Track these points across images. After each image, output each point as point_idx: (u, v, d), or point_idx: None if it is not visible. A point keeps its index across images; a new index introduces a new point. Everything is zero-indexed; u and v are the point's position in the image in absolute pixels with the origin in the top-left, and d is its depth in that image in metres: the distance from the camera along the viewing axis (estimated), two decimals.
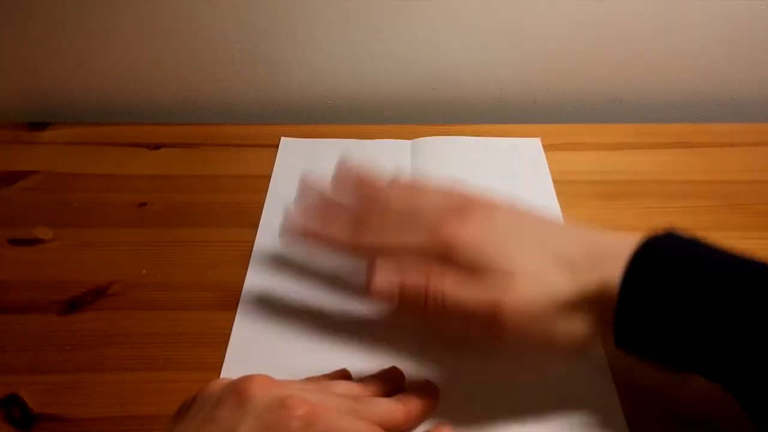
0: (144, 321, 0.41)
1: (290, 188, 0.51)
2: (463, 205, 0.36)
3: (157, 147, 0.56)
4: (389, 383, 0.36)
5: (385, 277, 0.34)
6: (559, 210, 0.49)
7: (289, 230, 0.38)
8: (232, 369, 0.38)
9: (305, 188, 0.40)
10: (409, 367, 0.38)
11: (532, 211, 0.37)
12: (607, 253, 0.33)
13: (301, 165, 0.54)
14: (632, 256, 0.32)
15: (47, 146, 0.57)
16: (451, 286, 0.33)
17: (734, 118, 0.64)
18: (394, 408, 0.34)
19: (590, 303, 0.33)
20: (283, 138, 0.57)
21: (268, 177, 0.53)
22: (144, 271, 0.45)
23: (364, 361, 0.38)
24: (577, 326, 0.33)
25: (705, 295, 0.30)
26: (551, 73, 0.62)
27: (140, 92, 0.62)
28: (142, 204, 0.50)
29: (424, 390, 0.36)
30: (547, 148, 0.56)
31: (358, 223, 0.37)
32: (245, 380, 0.30)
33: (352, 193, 0.40)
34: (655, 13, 0.58)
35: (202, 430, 0.29)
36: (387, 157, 0.54)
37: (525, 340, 0.33)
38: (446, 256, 0.33)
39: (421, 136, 0.57)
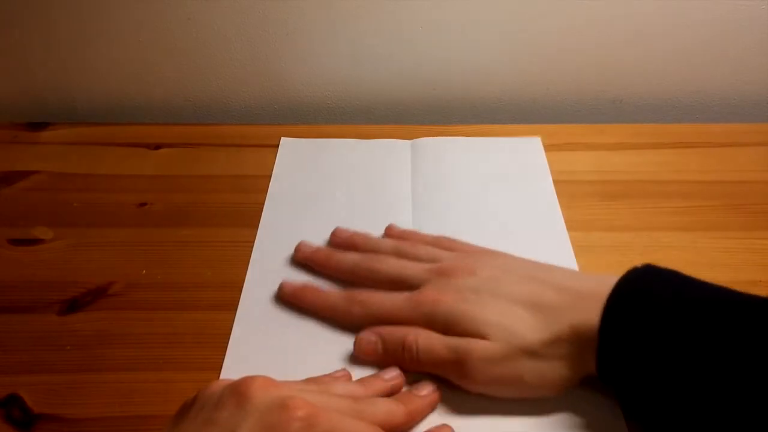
0: (144, 321, 0.41)
1: (290, 188, 0.52)
2: (446, 268, 0.40)
3: (157, 147, 0.56)
4: (389, 383, 0.36)
5: (370, 336, 0.38)
6: (559, 210, 0.49)
7: (285, 293, 0.42)
8: (232, 369, 0.38)
9: (302, 250, 0.45)
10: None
11: (516, 259, 0.41)
12: (585, 294, 0.35)
13: (301, 165, 0.54)
14: (611, 294, 0.34)
15: (47, 146, 0.57)
16: (424, 340, 0.37)
17: (734, 118, 0.64)
18: (394, 408, 0.34)
19: (566, 344, 0.34)
20: (283, 138, 0.57)
21: (268, 177, 0.53)
22: (144, 271, 0.45)
23: (364, 361, 0.38)
24: (549, 368, 0.35)
25: (682, 329, 0.31)
26: (551, 73, 0.62)
27: (140, 92, 0.62)
28: (142, 204, 0.50)
29: (425, 390, 0.36)
30: (547, 148, 0.56)
31: (348, 292, 0.41)
32: (246, 381, 0.30)
33: (347, 245, 0.45)
34: (655, 13, 0.58)
35: None
36: (387, 157, 0.54)
37: (496, 384, 0.36)
38: (426, 320, 0.37)
39: (421, 136, 0.57)
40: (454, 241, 0.44)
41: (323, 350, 0.39)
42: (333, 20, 0.58)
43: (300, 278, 0.44)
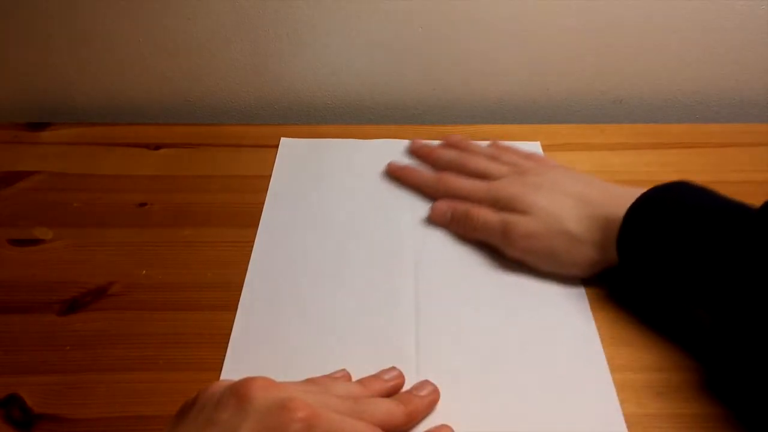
0: (144, 321, 0.41)
1: (290, 188, 0.52)
2: (522, 169, 0.48)
3: (158, 147, 0.56)
4: (389, 384, 0.36)
5: (443, 205, 0.48)
6: None
7: (390, 170, 0.53)
8: (232, 369, 0.38)
9: (414, 143, 0.55)
10: (409, 367, 0.38)
11: (575, 172, 0.48)
12: (623, 194, 0.41)
13: (301, 165, 0.54)
14: (641, 195, 0.40)
15: (47, 146, 0.56)
16: (484, 213, 0.46)
17: (734, 118, 0.64)
18: (394, 409, 0.34)
19: (598, 231, 0.42)
20: (283, 138, 0.57)
21: (268, 177, 0.53)
22: (144, 272, 0.45)
23: (364, 361, 0.38)
24: (581, 249, 0.42)
25: (695, 230, 0.37)
26: (551, 73, 0.62)
27: (140, 92, 0.62)
28: (142, 204, 0.50)
29: (424, 390, 0.36)
30: (547, 148, 0.56)
31: (438, 173, 0.51)
32: (246, 382, 0.30)
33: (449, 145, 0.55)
34: (656, 13, 0.58)
35: None
36: (387, 157, 0.54)
37: (532, 254, 0.44)
38: (492, 201, 0.46)
39: (421, 137, 0.57)
40: (536, 155, 0.52)
41: (323, 350, 0.39)
42: (333, 20, 0.58)
43: (300, 277, 0.44)
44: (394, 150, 0.55)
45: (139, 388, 0.37)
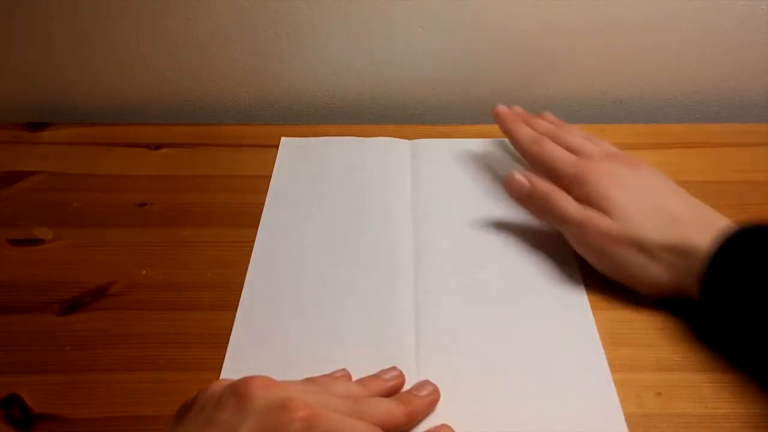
0: (144, 321, 0.41)
1: (290, 188, 0.52)
2: (615, 154, 0.47)
3: (158, 147, 0.56)
4: (389, 383, 0.36)
5: (522, 178, 0.46)
6: None
7: (496, 112, 0.52)
8: (232, 369, 0.38)
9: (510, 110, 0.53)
10: (409, 367, 0.38)
11: (668, 179, 0.45)
12: (712, 221, 0.39)
13: (301, 165, 0.54)
14: (734, 231, 0.38)
15: (47, 146, 0.56)
16: (564, 198, 0.43)
17: (734, 118, 0.64)
18: (394, 408, 0.34)
19: (676, 254, 0.39)
20: (283, 138, 0.57)
21: (268, 177, 0.53)
22: (144, 272, 0.45)
23: (364, 361, 0.38)
24: (653, 267, 0.40)
25: None
26: (551, 73, 0.62)
27: (140, 92, 0.62)
28: (142, 204, 0.50)
29: (424, 390, 0.36)
30: None
31: (539, 135, 0.49)
32: (246, 382, 0.30)
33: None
34: (656, 13, 0.58)
35: None
36: (387, 157, 0.54)
37: (602, 257, 0.42)
38: (574, 179, 0.44)
39: (421, 136, 0.57)
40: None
41: (323, 350, 0.39)
42: (333, 20, 0.58)
43: (300, 277, 0.44)
44: (394, 150, 0.55)
45: (139, 388, 0.37)
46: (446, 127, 0.59)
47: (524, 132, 0.49)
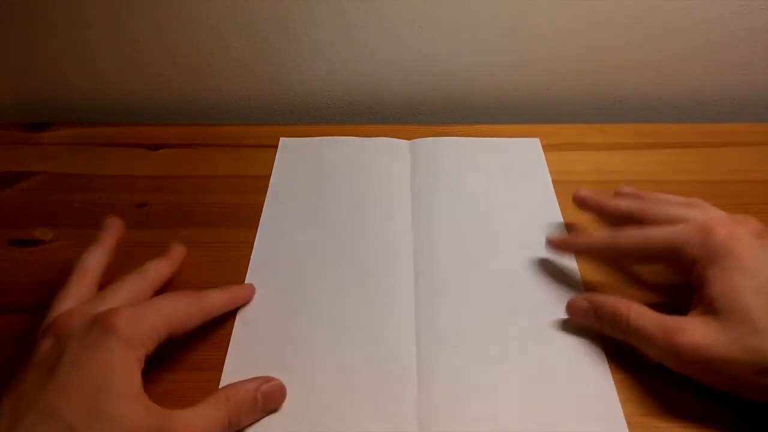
0: None
1: (289, 188, 0.52)
2: (735, 216, 0.38)
3: (157, 147, 0.56)
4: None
5: (582, 302, 0.39)
6: (559, 211, 0.49)
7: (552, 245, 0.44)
8: (233, 369, 0.38)
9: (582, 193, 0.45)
10: (409, 367, 0.38)
11: None
12: None
13: (301, 165, 0.54)
14: None
15: (47, 147, 0.57)
16: (637, 311, 0.36)
17: (734, 118, 0.64)
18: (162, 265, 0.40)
19: None
20: (282, 138, 0.57)
21: (268, 177, 0.53)
22: None
23: (364, 361, 0.38)
24: None
25: None
26: (551, 73, 0.62)
27: (140, 92, 0.62)
28: (142, 204, 0.50)
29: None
30: (547, 148, 0.56)
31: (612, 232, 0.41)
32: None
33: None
34: (656, 13, 0.58)
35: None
36: (387, 156, 0.54)
37: (704, 373, 0.34)
38: (695, 245, 0.36)
39: (421, 136, 0.57)
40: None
41: (323, 350, 0.39)
42: (333, 20, 0.58)
43: (300, 277, 0.44)
44: (393, 150, 0.55)
45: None
46: (446, 127, 0.58)
47: (593, 241, 0.41)
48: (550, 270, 0.44)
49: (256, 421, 0.35)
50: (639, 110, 0.64)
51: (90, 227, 0.48)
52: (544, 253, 0.45)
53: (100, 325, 0.32)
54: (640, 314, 0.36)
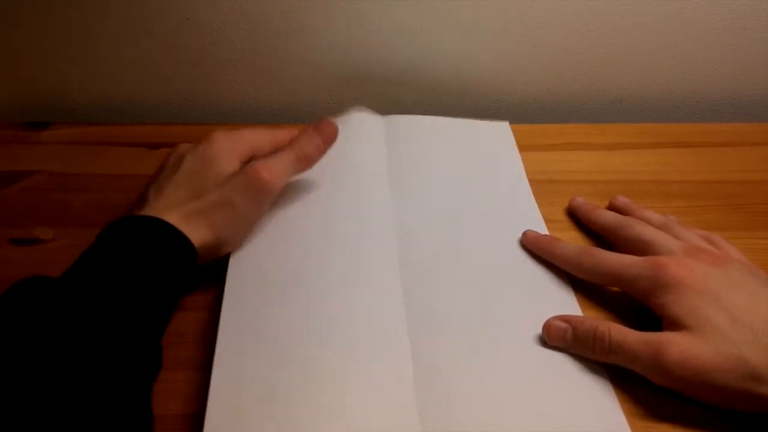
0: None
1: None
2: (697, 247, 0.39)
3: (157, 147, 0.56)
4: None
5: (560, 323, 0.38)
6: (530, 191, 0.50)
7: (527, 239, 0.45)
8: (222, 369, 0.37)
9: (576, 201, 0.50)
10: (405, 366, 0.38)
11: (756, 273, 0.38)
12: None
13: None
14: None
15: (47, 146, 0.56)
16: (618, 329, 0.36)
17: (734, 118, 0.64)
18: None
19: None
20: None
21: None
22: None
23: (359, 360, 0.38)
24: (764, 391, 0.33)
25: None
26: (551, 73, 0.62)
27: (140, 92, 0.62)
28: None
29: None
30: (547, 148, 0.56)
31: (582, 246, 0.44)
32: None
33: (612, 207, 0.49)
34: (655, 12, 0.58)
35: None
36: (361, 134, 0.54)
37: (693, 387, 0.34)
38: (649, 284, 0.38)
39: None
40: (711, 234, 0.43)
41: (319, 348, 0.39)
42: (333, 20, 0.58)
43: (290, 274, 0.43)
44: (368, 125, 0.55)
45: None
46: None
47: (564, 252, 0.43)
48: (537, 263, 0.45)
49: (321, 153, 0.44)
50: (639, 110, 0.64)
51: (90, 227, 0.48)
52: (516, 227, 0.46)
53: (205, 140, 0.43)
54: (620, 332, 0.36)
